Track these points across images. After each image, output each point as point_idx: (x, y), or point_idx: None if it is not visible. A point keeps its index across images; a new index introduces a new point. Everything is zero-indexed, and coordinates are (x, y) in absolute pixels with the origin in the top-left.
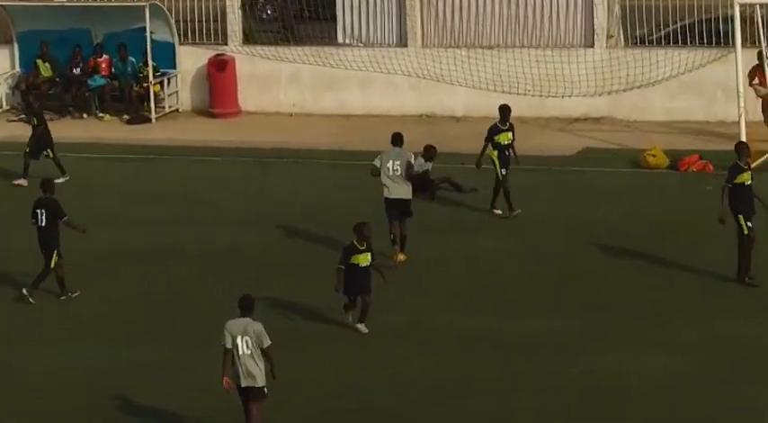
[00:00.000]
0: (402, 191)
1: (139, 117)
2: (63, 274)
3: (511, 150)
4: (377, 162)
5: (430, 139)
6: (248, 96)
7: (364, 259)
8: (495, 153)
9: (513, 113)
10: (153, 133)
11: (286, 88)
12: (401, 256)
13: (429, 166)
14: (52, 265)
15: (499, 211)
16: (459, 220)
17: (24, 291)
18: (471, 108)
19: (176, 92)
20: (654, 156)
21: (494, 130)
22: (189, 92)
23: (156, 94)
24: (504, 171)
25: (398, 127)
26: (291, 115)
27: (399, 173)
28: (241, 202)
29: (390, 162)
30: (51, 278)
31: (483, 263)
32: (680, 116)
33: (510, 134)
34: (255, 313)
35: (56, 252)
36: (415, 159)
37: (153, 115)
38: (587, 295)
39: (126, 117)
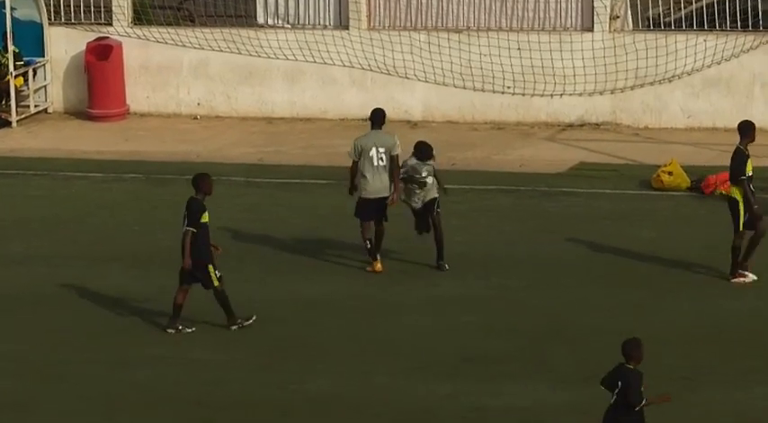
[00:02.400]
0: (385, 187)
1: None
2: None
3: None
4: (354, 151)
5: None
6: (139, 93)
7: None
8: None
9: (491, 116)
10: (12, 141)
11: (189, 82)
12: (378, 266)
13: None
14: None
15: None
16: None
17: None
18: (432, 109)
19: (44, 87)
20: (670, 174)
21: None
22: (61, 87)
23: (17, 90)
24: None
25: (336, 133)
26: (196, 118)
27: (384, 163)
28: (127, 233)
29: (373, 149)
30: None
31: (446, 317)
32: (705, 121)
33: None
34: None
35: None
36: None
37: (13, 117)
38: (580, 358)
39: None
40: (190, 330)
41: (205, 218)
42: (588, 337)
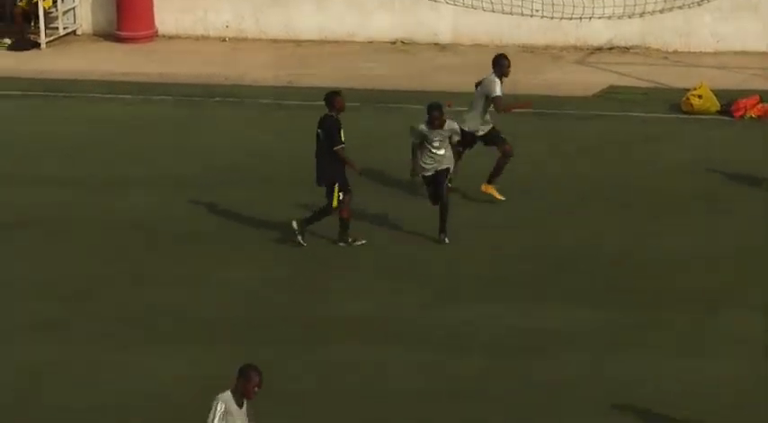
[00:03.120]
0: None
1: (24, 42)
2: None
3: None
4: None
5: (406, 71)
6: (167, 15)
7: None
8: None
9: (520, 40)
10: (42, 63)
11: (218, 5)
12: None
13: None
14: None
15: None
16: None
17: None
18: (461, 32)
19: (73, 8)
20: (700, 97)
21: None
22: (90, 9)
23: (46, 12)
24: None
25: (365, 56)
26: (225, 40)
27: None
28: (157, 154)
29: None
30: None
31: (474, 241)
32: (736, 44)
33: None
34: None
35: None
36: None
37: (42, 39)
38: (608, 281)
39: (6, 41)
40: (360, 243)
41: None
42: (618, 259)
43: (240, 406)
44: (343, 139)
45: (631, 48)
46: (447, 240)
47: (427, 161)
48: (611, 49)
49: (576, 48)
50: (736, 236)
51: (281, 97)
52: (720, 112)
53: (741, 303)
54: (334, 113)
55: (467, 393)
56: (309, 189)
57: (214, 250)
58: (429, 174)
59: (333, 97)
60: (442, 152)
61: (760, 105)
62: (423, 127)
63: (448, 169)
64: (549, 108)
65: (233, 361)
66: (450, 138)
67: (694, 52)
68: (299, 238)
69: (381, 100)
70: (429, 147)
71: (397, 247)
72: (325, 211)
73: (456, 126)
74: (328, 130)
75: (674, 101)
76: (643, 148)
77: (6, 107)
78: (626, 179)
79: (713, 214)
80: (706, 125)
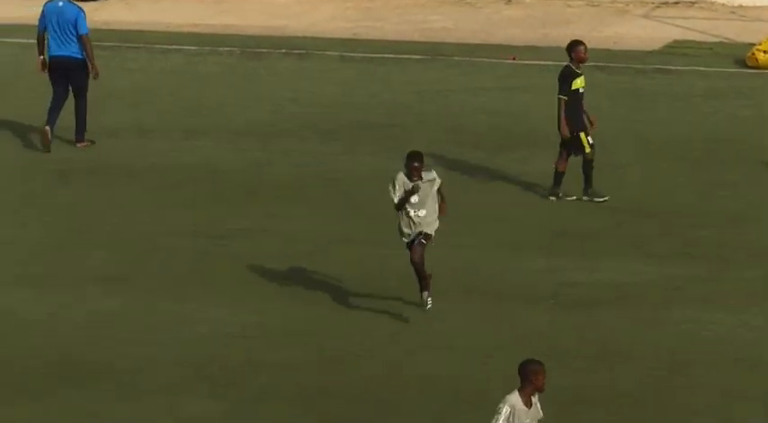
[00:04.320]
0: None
1: None
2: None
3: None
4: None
5: (470, 24)
6: None
7: None
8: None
9: None
10: (108, 13)
11: None
12: None
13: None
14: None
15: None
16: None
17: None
18: None
19: None
20: (765, 52)
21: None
22: None
23: None
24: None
25: (431, 9)
26: None
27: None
28: (221, 106)
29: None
30: None
31: (538, 194)
32: None
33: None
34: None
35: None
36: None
37: None
38: (674, 235)
39: None
40: (571, 198)
41: (577, 84)
42: (681, 215)
43: (528, 406)
44: (573, 88)
45: (697, 2)
46: (430, 303)
47: (405, 226)
48: (676, 3)
49: (641, 2)
50: None
51: (346, 50)
52: None
53: None
54: (573, 64)
55: (532, 347)
56: (373, 140)
57: (278, 202)
58: (407, 241)
59: (572, 46)
60: (423, 213)
61: None
62: (402, 176)
63: (430, 236)
64: (613, 62)
65: (294, 315)
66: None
67: (760, 6)
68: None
69: (446, 53)
70: (408, 206)
71: (464, 195)
72: (585, 160)
73: (434, 174)
74: (559, 79)
75: (740, 55)
76: (707, 102)
77: None
78: (690, 134)
79: None
80: None
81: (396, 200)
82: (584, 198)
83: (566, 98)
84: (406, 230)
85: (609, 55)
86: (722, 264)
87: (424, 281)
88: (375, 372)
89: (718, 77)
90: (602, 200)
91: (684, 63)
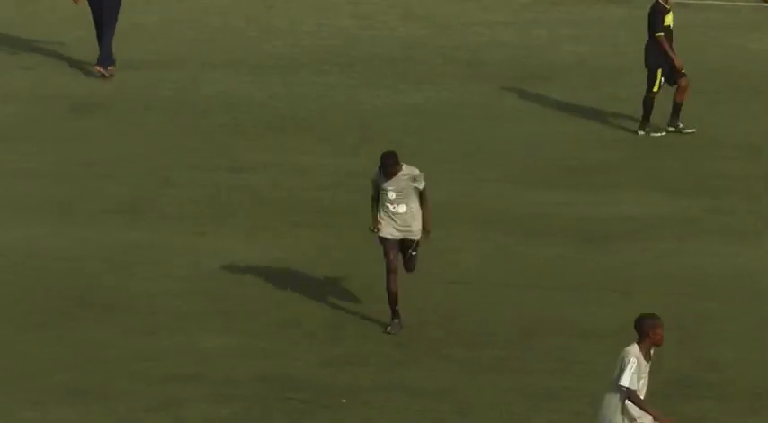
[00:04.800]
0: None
1: None
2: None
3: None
4: None
5: None
6: None
7: None
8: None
9: None
10: None
11: None
12: None
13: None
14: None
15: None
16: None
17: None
18: None
19: None
20: None
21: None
22: None
23: None
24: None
25: None
26: None
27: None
28: (241, 39)
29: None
30: None
31: (558, 125)
32: None
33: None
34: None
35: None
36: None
37: None
38: (691, 169)
39: None
40: (659, 134)
41: (667, 20)
42: (700, 147)
43: (648, 359)
44: (665, 24)
45: None
46: (391, 330)
47: (386, 224)
48: None
49: None
50: None
51: None
52: None
53: None
54: (661, 1)
55: (543, 279)
56: (391, 73)
57: (296, 135)
58: (393, 238)
59: None
60: (402, 209)
61: None
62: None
63: (417, 243)
64: None
65: (311, 248)
66: (416, 189)
67: None
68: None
69: None
70: (385, 202)
71: (481, 129)
72: (647, 96)
73: (417, 171)
74: (649, 18)
75: None
76: (729, 35)
77: None
78: (713, 65)
79: None
80: None
81: (372, 194)
82: (640, 132)
83: (662, 34)
84: (387, 229)
85: None
86: (739, 196)
87: (396, 306)
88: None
89: (736, 11)
90: (660, 134)
91: None
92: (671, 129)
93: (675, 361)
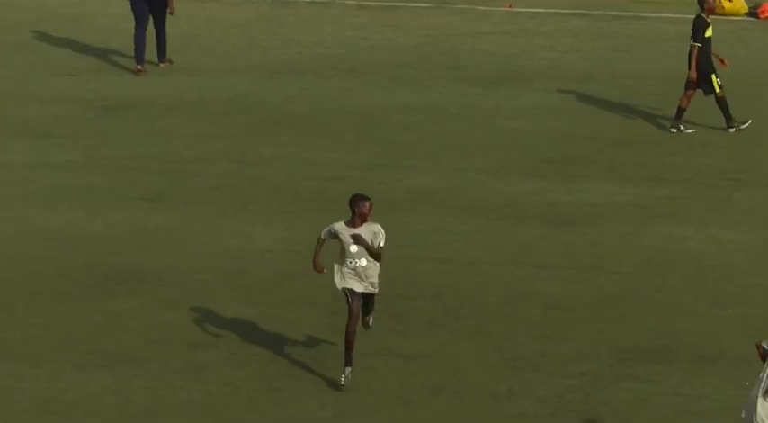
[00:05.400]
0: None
1: None
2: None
3: None
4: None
5: None
6: None
7: None
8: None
9: None
10: None
11: None
12: None
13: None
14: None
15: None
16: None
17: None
18: None
19: None
20: (730, 0)
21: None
22: None
23: None
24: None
25: None
26: None
27: None
28: (255, 48)
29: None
30: None
31: (532, 122)
32: None
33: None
34: None
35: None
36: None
37: None
38: (647, 162)
39: None
40: (691, 131)
41: (708, 33)
42: (655, 143)
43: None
44: (706, 36)
45: None
46: (346, 380)
47: (348, 277)
48: None
49: None
50: (757, 122)
51: None
52: (747, 14)
53: (757, 180)
54: (704, 14)
55: (520, 257)
56: (387, 77)
57: (305, 132)
58: (354, 290)
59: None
60: (363, 262)
61: None
62: (338, 226)
63: (374, 297)
64: (592, 9)
65: (319, 228)
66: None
67: None
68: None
69: (451, 2)
70: (347, 256)
71: (463, 125)
72: (717, 99)
73: (378, 227)
74: (694, 29)
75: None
76: (677, 45)
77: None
78: (660, 72)
79: (741, 106)
80: (735, 25)
81: (322, 235)
82: (731, 130)
83: (699, 45)
84: (348, 281)
85: (589, 3)
86: (687, 186)
87: (352, 352)
88: (389, 281)
89: (687, 23)
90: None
91: (655, 10)
92: (673, 130)
93: (632, 330)
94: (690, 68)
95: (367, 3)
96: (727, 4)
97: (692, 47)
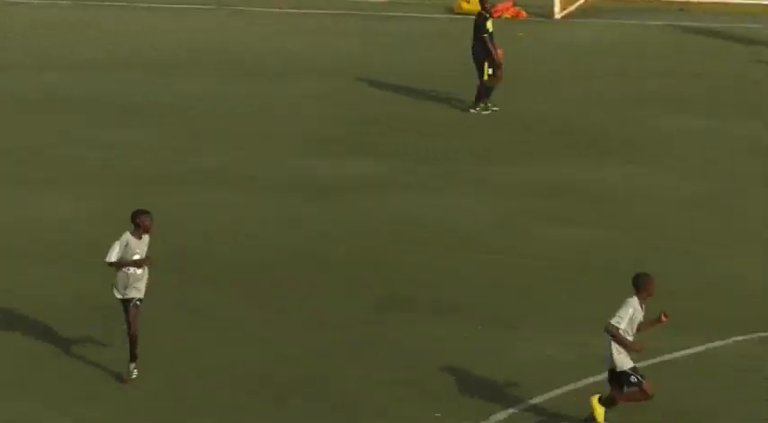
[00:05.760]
0: None
1: None
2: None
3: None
4: None
5: None
6: None
7: None
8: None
9: None
10: None
11: None
12: None
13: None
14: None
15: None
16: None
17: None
18: None
19: None
20: (468, 2)
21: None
22: None
23: None
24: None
25: None
26: None
27: None
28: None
29: None
30: None
31: (292, 112)
32: None
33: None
34: None
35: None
36: None
37: None
38: (390, 140)
39: None
40: (487, 112)
41: (489, 26)
42: (400, 121)
43: (643, 308)
44: (488, 30)
45: None
46: (135, 373)
47: (121, 285)
48: None
49: None
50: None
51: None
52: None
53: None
54: (484, 12)
55: (301, 227)
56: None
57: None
58: (124, 297)
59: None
60: (140, 271)
61: (512, 9)
62: (127, 236)
63: (140, 300)
64: (359, 10)
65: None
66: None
67: None
68: (479, 110)
69: (230, 4)
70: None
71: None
72: (481, 83)
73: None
74: (476, 23)
75: (449, 5)
76: (422, 43)
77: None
78: (407, 68)
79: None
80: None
81: (113, 258)
82: (472, 111)
83: (487, 35)
84: (121, 290)
85: (352, 5)
86: (422, 161)
87: (136, 348)
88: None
89: (432, 23)
90: (488, 112)
91: (406, 10)
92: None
93: (382, 286)
94: (490, 54)
95: (155, 5)
96: (465, 5)
97: (482, 38)
